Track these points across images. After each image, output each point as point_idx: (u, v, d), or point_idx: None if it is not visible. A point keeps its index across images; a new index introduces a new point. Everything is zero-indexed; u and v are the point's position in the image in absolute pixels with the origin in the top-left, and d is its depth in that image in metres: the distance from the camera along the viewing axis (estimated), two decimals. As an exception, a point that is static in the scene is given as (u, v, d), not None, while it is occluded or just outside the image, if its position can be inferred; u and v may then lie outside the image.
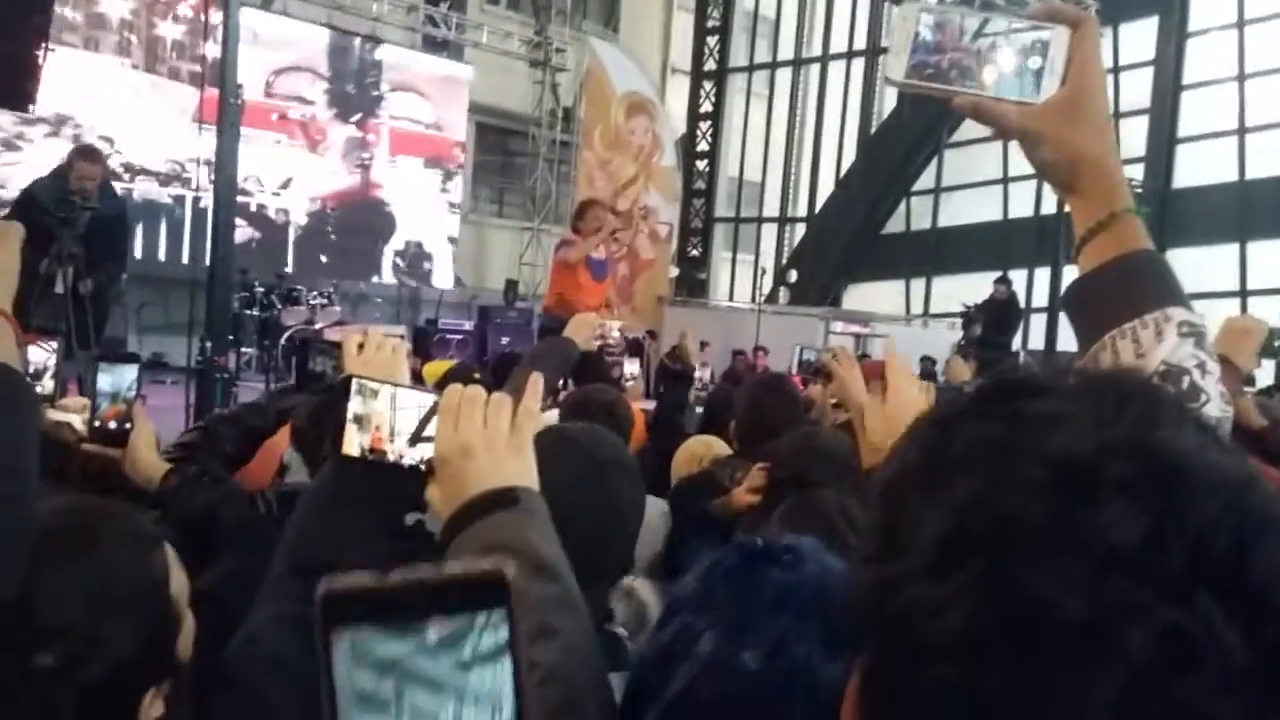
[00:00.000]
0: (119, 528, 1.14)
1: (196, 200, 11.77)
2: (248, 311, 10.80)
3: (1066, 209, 0.97)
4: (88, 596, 1.05)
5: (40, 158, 9.51)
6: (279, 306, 10.91)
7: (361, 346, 1.52)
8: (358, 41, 14.14)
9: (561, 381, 2.71)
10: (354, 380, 1.18)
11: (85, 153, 6.29)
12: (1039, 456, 0.51)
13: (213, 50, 12.70)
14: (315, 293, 11.40)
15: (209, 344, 6.58)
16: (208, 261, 7.23)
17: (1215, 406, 0.89)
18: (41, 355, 2.23)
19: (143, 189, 12.20)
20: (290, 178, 13.64)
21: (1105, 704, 0.47)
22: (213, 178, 6.98)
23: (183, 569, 1.19)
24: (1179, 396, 0.80)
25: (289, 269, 12.76)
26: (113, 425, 2.08)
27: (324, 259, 14.14)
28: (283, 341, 10.33)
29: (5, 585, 1.00)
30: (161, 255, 12.39)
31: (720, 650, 0.90)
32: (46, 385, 2.22)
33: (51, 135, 11.05)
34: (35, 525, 1.06)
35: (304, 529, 1.29)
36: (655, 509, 2.70)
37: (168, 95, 12.17)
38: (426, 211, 15.17)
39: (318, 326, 10.15)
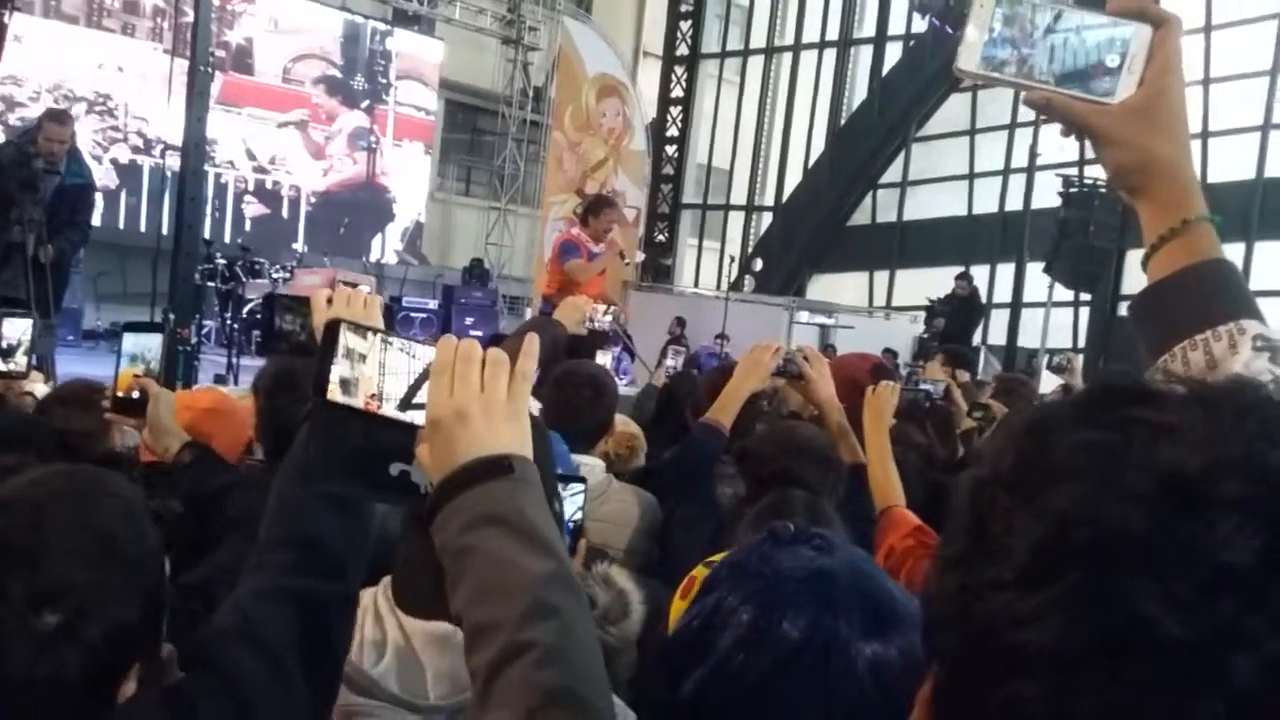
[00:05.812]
0: (115, 490, 1.13)
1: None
2: (209, 284, 10.62)
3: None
4: (90, 555, 1.03)
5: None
6: (242, 279, 10.74)
7: (331, 301, 1.44)
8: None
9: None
10: (342, 326, 1.06)
11: (55, 115, 6.16)
12: (1147, 467, 0.48)
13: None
14: (278, 266, 11.27)
15: (172, 315, 6.46)
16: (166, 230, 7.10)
17: None
18: (16, 330, 2.18)
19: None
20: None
21: None
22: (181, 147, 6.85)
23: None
24: None
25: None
26: (135, 395, 2.04)
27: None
28: (244, 314, 10.18)
29: None
30: (121, 224, 12.25)
31: (760, 622, 0.93)
32: (19, 361, 2.17)
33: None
34: None
35: (285, 497, 1.22)
36: (633, 501, 2.71)
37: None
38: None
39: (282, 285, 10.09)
